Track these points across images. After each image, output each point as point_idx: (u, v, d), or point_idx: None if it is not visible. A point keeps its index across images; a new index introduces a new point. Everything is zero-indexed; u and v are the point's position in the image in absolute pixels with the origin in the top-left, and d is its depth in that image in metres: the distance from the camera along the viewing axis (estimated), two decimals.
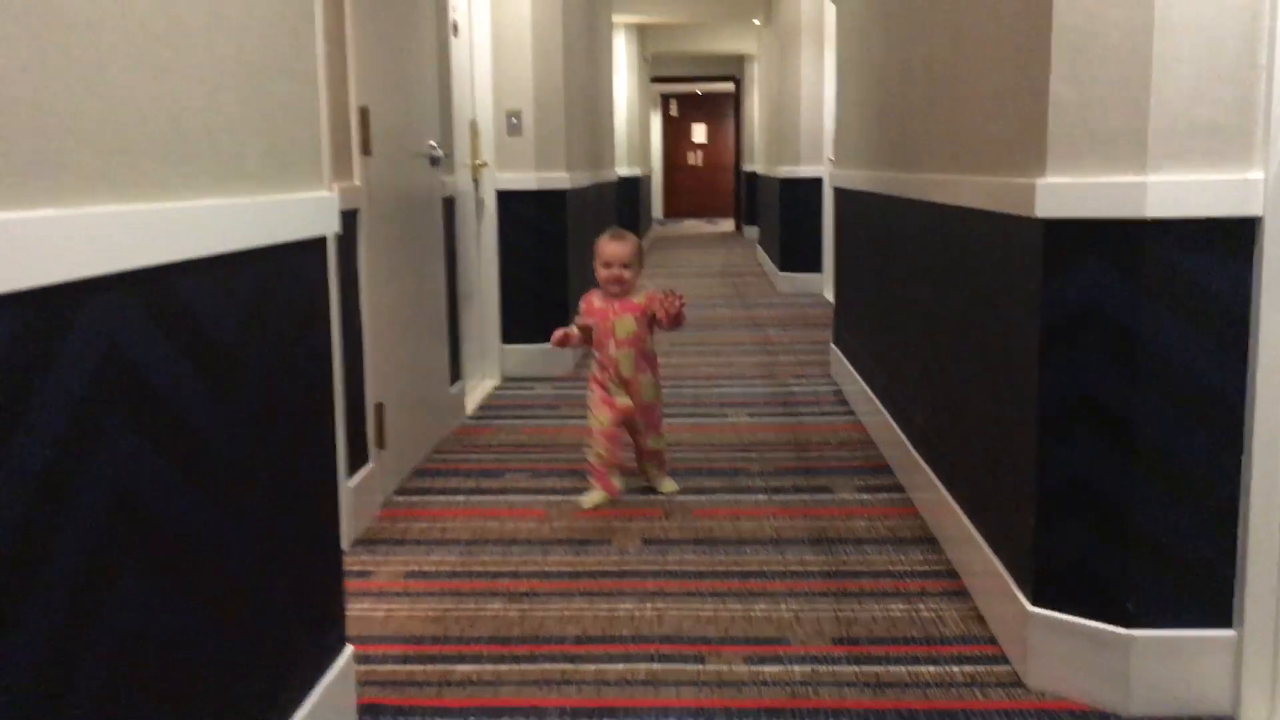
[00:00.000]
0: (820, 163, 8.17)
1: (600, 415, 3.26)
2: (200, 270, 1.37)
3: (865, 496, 3.30)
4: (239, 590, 1.51)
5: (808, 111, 8.27)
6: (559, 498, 3.33)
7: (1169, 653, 1.97)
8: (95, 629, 1.16)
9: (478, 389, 4.95)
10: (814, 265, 8.42)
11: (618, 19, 11.03)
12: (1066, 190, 1.95)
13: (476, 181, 5.03)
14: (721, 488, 3.41)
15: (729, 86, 18.75)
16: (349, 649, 1.95)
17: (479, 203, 5.07)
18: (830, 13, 7.37)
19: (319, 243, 1.81)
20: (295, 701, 1.71)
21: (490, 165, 5.12)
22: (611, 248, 3.26)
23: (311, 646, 1.79)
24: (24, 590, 1.05)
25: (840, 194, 5.06)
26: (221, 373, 1.45)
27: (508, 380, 5.19)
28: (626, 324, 3.24)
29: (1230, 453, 1.92)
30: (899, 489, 3.36)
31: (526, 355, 5.23)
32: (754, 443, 3.96)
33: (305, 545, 1.77)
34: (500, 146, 5.18)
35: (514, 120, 5.19)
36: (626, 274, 3.24)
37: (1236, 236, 1.86)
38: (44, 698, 1.08)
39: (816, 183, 8.26)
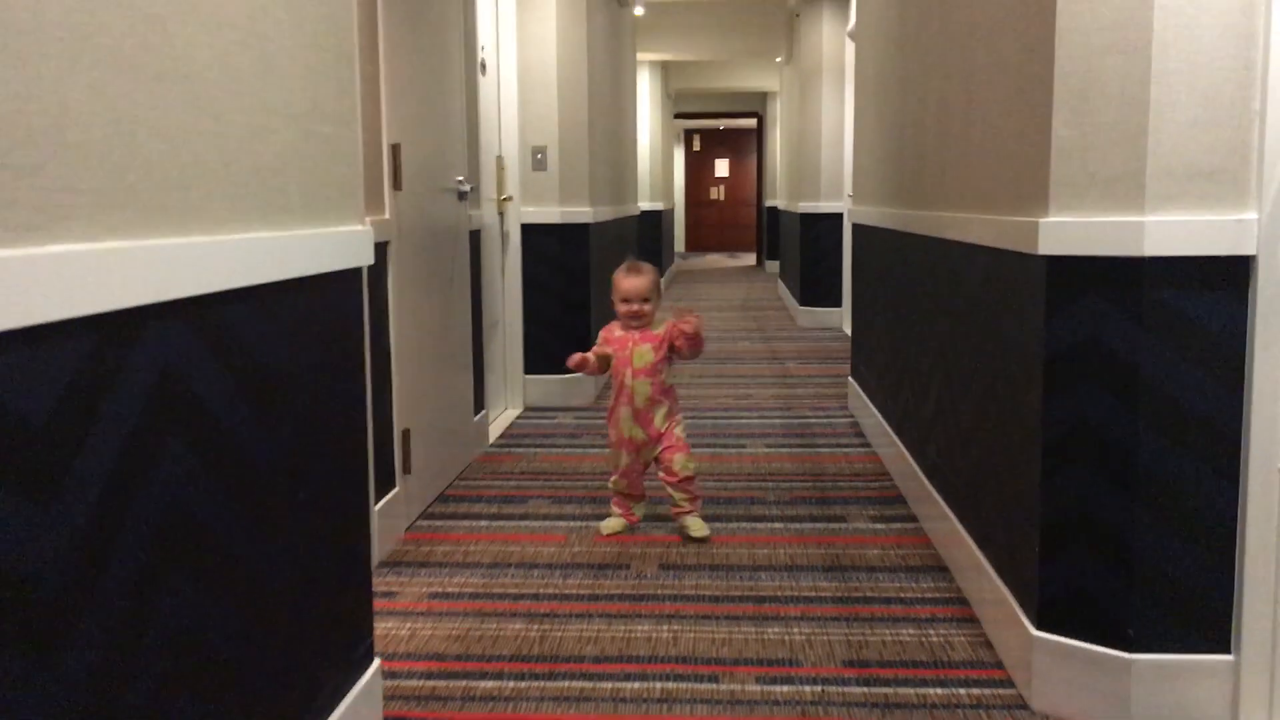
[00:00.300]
0: (841, 199, 8.26)
1: (618, 457, 3.33)
2: (247, 298, 1.48)
3: (879, 526, 3.37)
4: (277, 603, 1.60)
5: (828, 148, 8.38)
6: (579, 524, 3.41)
7: (1168, 677, 2.03)
8: (147, 636, 1.26)
9: (501, 418, 5.05)
10: (834, 300, 8.50)
11: (641, 57, 11.21)
12: (1068, 229, 2.03)
13: (502, 215, 5.15)
14: (738, 516, 3.48)
15: (751, 122, 18.93)
16: (376, 663, 2.04)
17: (504, 236, 5.20)
18: (851, 51, 7.49)
19: (355, 274, 1.91)
20: (326, 710, 1.80)
21: (515, 199, 5.24)
22: (628, 283, 3.27)
23: (341, 659, 1.88)
24: (84, 597, 1.14)
25: (858, 229, 5.15)
26: (266, 395, 1.55)
27: (530, 409, 5.28)
28: (644, 354, 3.26)
29: (1227, 483, 1.99)
30: (912, 519, 3.42)
31: (549, 385, 5.33)
32: (771, 473, 4.03)
33: (337, 562, 1.86)
34: (525, 181, 5.31)
35: (539, 156, 5.32)
36: (646, 308, 3.27)
37: (1231, 274, 1.94)
38: (98, 701, 1.17)
39: (837, 218, 8.35)
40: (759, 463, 4.18)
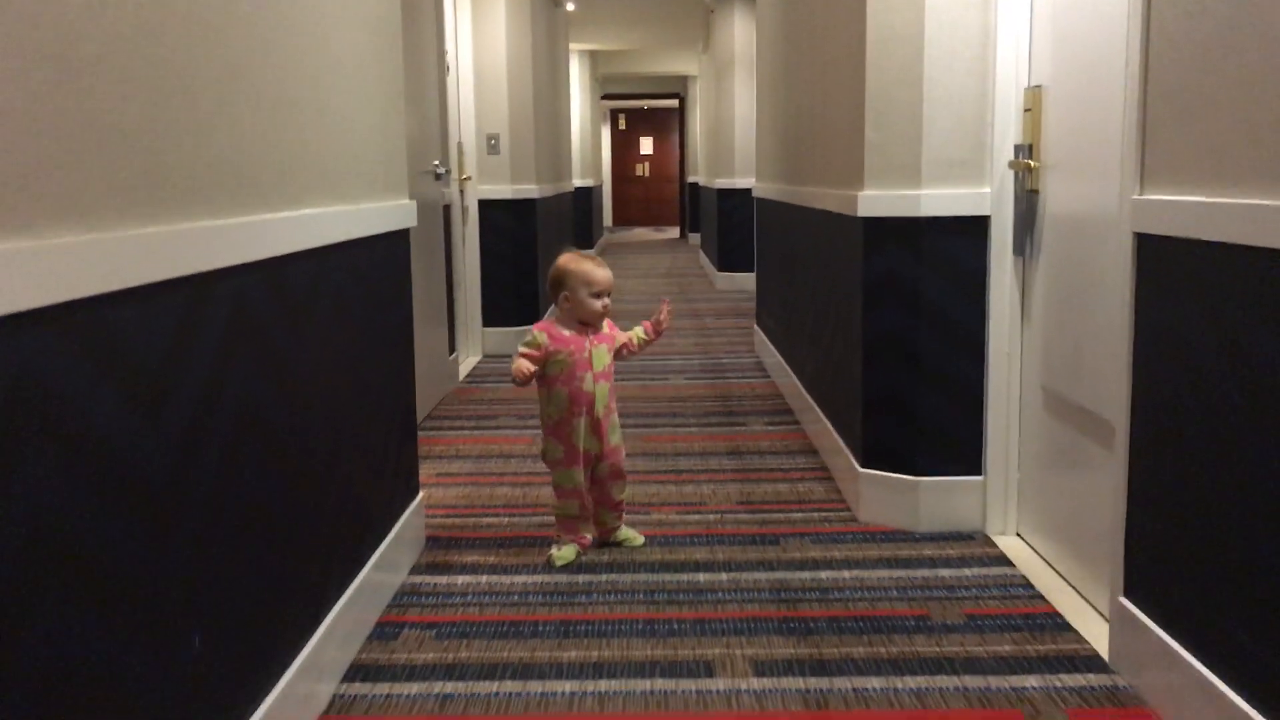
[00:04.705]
0: (753, 175, 9.30)
1: (572, 475, 2.96)
2: (365, 244, 2.46)
3: (770, 427, 4.44)
4: (376, 444, 2.59)
5: (741, 130, 9.42)
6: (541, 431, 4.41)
7: (942, 492, 3.11)
8: (337, 442, 2.23)
9: (465, 362, 6.03)
10: (747, 265, 9.55)
11: (573, 47, 12.14)
12: (876, 199, 3.08)
13: (462, 192, 6.11)
14: (663, 424, 4.52)
15: (674, 103, 19.93)
16: (421, 492, 3.04)
17: (464, 210, 6.16)
18: None
19: (407, 232, 2.90)
20: (398, 514, 2.80)
21: (473, 179, 6.21)
22: (603, 274, 2.91)
23: (403, 485, 2.87)
24: (325, 395, 2.11)
25: (759, 202, 6.21)
26: (372, 310, 2.53)
27: (487, 356, 6.27)
28: (602, 355, 2.94)
29: (976, 367, 3.06)
30: (796, 423, 4.49)
31: (502, 336, 6.32)
32: (689, 396, 5.08)
33: (401, 421, 2.85)
34: (481, 163, 6.27)
35: (492, 141, 6.29)
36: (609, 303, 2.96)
37: (975, 227, 3.01)
38: (295, 474, 2.15)
39: (749, 193, 9.40)
40: (679, 390, 5.23)
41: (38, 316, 1.14)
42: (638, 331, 3.08)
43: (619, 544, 3.07)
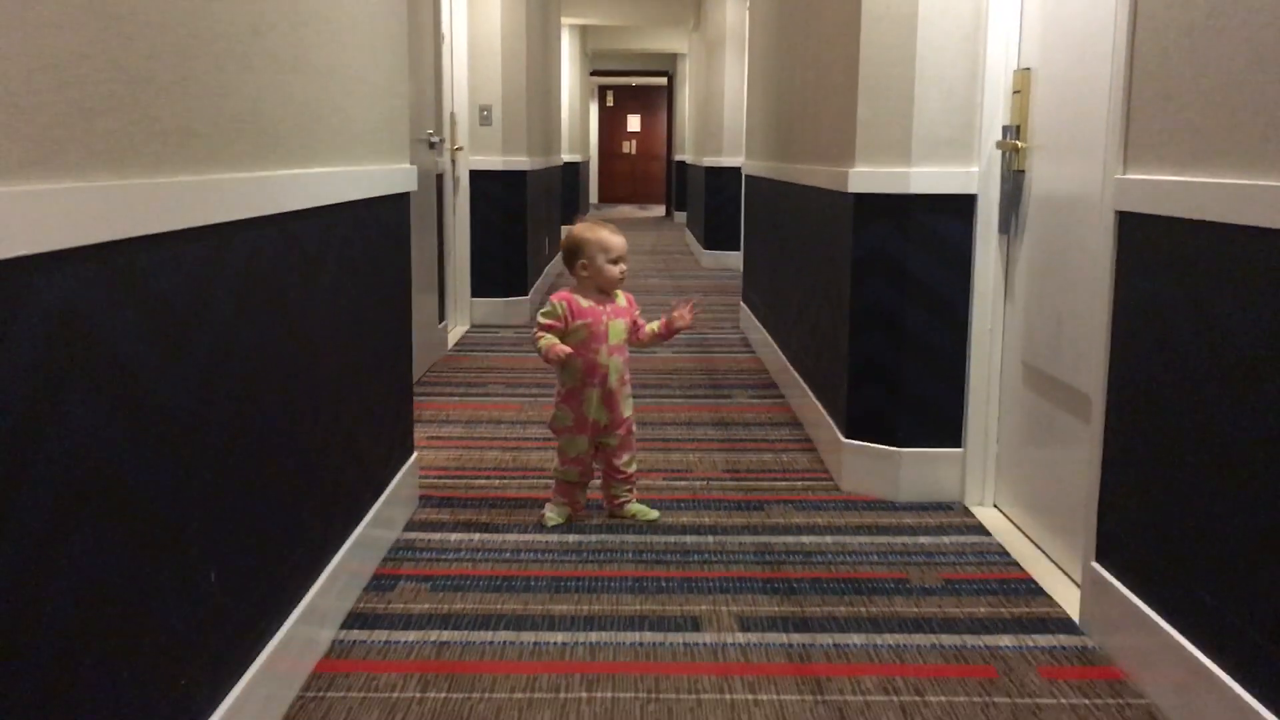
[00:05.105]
0: (741, 154, 9.36)
1: (577, 443, 2.98)
2: (373, 203, 2.52)
3: (755, 400, 4.52)
4: (375, 401, 2.65)
5: (730, 108, 9.46)
6: (530, 399, 4.49)
7: (923, 463, 3.20)
8: (340, 399, 2.30)
9: (453, 332, 6.08)
10: (734, 244, 9.61)
11: (564, 21, 12.15)
12: (866, 176, 3.15)
13: (453, 162, 6.15)
14: (650, 394, 4.59)
15: (662, 80, 19.94)
16: (416, 452, 3.10)
17: (455, 180, 6.20)
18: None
19: (408, 195, 2.95)
20: (395, 470, 2.86)
21: (465, 149, 6.24)
22: (618, 240, 2.92)
23: (399, 443, 2.94)
24: (333, 364, 2.17)
25: (748, 179, 6.28)
26: (377, 262, 2.59)
27: (475, 326, 6.33)
28: (619, 329, 2.97)
29: (959, 341, 3.15)
30: (780, 396, 4.58)
31: (491, 307, 6.38)
32: (676, 370, 5.16)
33: (398, 382, 2.91)
34: (473, 134, 6.31)
35: (485, 113, 6.32)
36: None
37: (962, 205, 3.09)
38: (316, 428, 2.21)
39: (737, 171, 9.44)
40: (667, 363, 5.30)
41: (83, 254, 1.20)
42: (653, 325, 3.07)
43: (631, 519, 3.03)
